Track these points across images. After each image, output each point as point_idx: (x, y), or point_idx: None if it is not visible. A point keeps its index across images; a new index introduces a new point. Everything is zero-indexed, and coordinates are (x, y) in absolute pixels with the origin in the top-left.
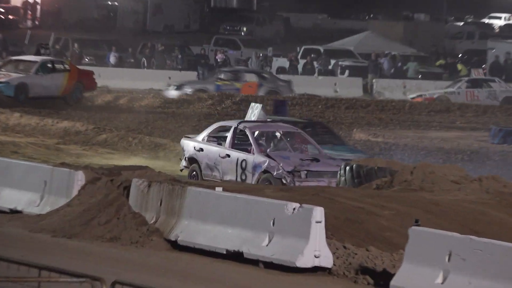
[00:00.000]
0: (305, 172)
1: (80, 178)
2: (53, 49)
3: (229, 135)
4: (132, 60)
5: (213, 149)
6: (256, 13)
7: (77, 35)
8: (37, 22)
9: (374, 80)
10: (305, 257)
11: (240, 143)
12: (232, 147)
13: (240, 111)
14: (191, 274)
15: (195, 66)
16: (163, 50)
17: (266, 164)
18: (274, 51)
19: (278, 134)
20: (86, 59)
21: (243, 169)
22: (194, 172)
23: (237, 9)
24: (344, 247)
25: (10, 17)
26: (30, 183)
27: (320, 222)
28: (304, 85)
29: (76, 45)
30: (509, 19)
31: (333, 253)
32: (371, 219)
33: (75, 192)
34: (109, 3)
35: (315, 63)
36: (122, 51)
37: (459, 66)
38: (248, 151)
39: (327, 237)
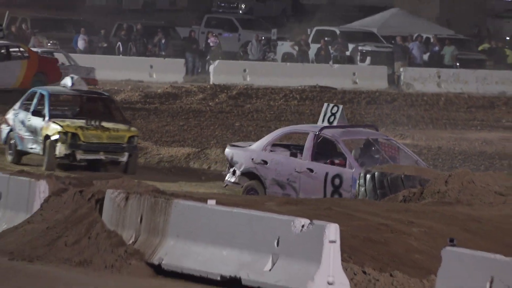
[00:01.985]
0: None
1: (43, 189)
2: (7, 31)
3: (307, 143)
4: (105, 45)
5: (284, 161)
6: None
7: (36, 13)
8: None
9: (401, 69)
10: (316, 284)
11: (320, 153)
12: (313, 160)
13: (237, 107)
14: None
15: (182, 52)
16: (143, 32)
17: None
18: (279, 34)
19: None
20: (49, 44)
21: (336, 187)
22: (253, 191)
23: None
24: (364, 272)
25: None
26: None
27: (334, 241)
28: (316, 74)
29: (34, 26)
30: None
31: (350, 280)
32: (397, 239)
33: (36, 206)
34: None
35: (330, 48)
36: (92, 33)
37: (507, 51)
38: (340, 164)
39: (343, 259)
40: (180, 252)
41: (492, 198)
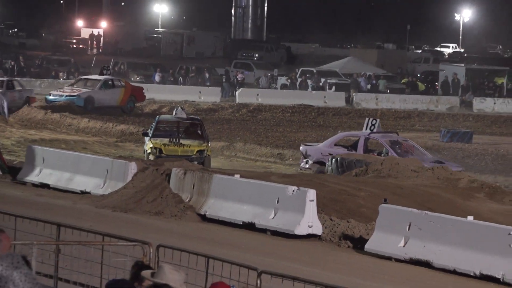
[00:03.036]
0: None
1: (133, 167)
2: (113, 70)
3: (360, 143)
4: (172, 79)
5: (344, 153)
6: (265, 43)
7: (130, 59)
8: (100, 50)
9: (354, 94)
10: (301, 227)
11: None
12: (364, 153)
13: (253, 117)
14: (217, 240)
15: (220, 83)
16: (195, 71)
17: None
18: (279, 72)
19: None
20: (138, 78)
21: None
22: (321, 173)
23: (251, 40)
24: (331, 219)
25: (81, 46)
26: (96, 171)
27: (313, 200)
28: (301, 97)
29: (129, 67)
30: (455, 48)
31: (322, 224)
32: (351, 199)
33: (129, 178)
34: (155, 35)
35: (309, 81)
36: (164, 71)
37: (418, 83)
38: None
39: (318, 212)
40: (217, 207)
41: (409, 173)
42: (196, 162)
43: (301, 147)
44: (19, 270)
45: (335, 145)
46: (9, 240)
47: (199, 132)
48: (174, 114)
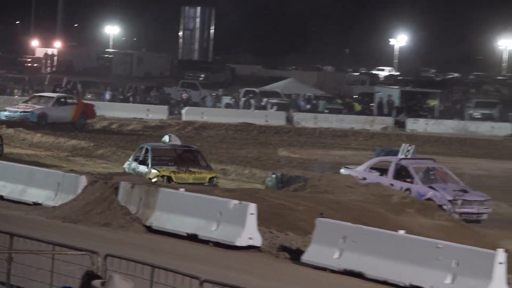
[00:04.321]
0: (461, 201)
1: (83, 180)
2: (65, 88)
3: (390, 168)
4: (122, 97)
5: (376, 179)
6: (211, 64)
7: (82, 78)
8: (54, 69)
9: (294, 114)
10: (242, 238)
11: (399, 174)
12: (394, 178)
13: (198, 134)
14: (162, 250)
15: (167, 101)
16: (144, 90)
17: (430, 193)
18: (224, 92)
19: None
20: (89, 96)
21: None
22: None
23: (198, 61)
24: (270, 232)
25: (35, 65)
26: (48, 184)
27: (253, 214)
28: (244, 116)
29: (81, 85)
30: (391, 71)
31: (262, 236)
32: (290, 213)
33: (79, 190)
34: (106, 55)
35: (252, 101)
36: (114, 90)
37: (355, 104)
38: (409, 182)
39: (258, 224)
40: (163, 219)
41: (345, 189)
42: None
43: (341, 170)
44: None
45: (371, 168)
46: None
47: (200, 159)
48: (168, 141)
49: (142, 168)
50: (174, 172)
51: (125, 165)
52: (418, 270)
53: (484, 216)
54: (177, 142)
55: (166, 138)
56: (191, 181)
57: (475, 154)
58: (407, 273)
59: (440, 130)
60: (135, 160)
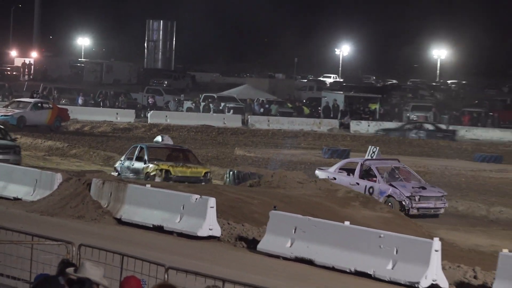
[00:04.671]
0: (418, 197)
1: (59, 178)
2: (42, 94)
3: (357, 169)
4: (93, 102)
5: (344, 178)
6: (173, 72)
7: (57, 85)
8: (31, 77)
9: (249, 117)
10: (203, 229)
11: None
12: (360, 178)
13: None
14: (131, 240)
15: (134, 106)
16: (113, 95)
17: (390, 190)
18: (185, 97)
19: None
20: (63, 101)
21: (370, 194)
22: None
23: (161, 69)
24: (228, 223)
25: (14, 73)
26: (27, 181)
27: (213, 207)
28: (204, 119)
29: (56, 91)
30: (336, 78)
31: (221, 227)
32: (246, 206)
33: (55, 186)
34: (78, 64)
35: (211, 105)
36: (86, 95)
37: (304, 108)
38: (373, 181)
39: (217, 216)
40: (131, 212)
41: (296, 185)
42: (203, 183)
43: (316, 171)
44: None
45: (340, 169)
46: None
47: (192, 157)
48: (161, 141)
49: (139, 165)
50: (172, 166)
51: (117, 165)
52: (362, 257)
53: (441, 211)
54: (170, 142)
55: (159, 138)
56: (188, 175)
57: (412, 152)
58: (352, 260)
59: None
60: (129, 159)
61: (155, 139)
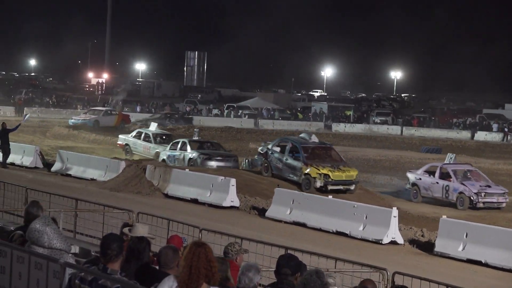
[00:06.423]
0: (484, 193)
1: (123, 164)
2: (111, 104)
3: (437, 171)
4: (147, 110)
5: (427, 178)
6: (205, 88)
7: (123, 97)
8: (103, 92)
9: (259, 120)
10: (226, 201)
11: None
12: (439, 178)
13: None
14: (175, 209)
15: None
16: (161, 105)
17: (461, 188)
18: (213, 106)
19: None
20: (126, 109)
21: (447, 191)
22: (415, 191)
23: (196, 86)
24: (245, 197)
25: (91, 89)
26: (100, 166)
27: (233, 185)
28: (226, 122)
29: (121, 102)
30: (321, 92)
31: (239, 200)
32: (257, 185)
33: (120, 170)
34: (137, 83)
35: (232, 112)
36: (142, 105)
37: (299, 114)
38: (449, 181)
39: (237, 192)
40: (175, 189)
41: None
42: (354, 185)
43: (407, 173)
44: (50, 226)
45: (425, 171)
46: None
47: (335, 154)
48: (308, 139)
49: (295, 163)
50: (330, 170)
51: (264, 151)
52: (341, 222)
53: (503, 205)
54: (316, 140)
55: (305, 135)
56: (344, 178)
57: (377, 146)
58: (334, 223)
59: (354, 130)
60: (280, 149)
61: (301, 135)
